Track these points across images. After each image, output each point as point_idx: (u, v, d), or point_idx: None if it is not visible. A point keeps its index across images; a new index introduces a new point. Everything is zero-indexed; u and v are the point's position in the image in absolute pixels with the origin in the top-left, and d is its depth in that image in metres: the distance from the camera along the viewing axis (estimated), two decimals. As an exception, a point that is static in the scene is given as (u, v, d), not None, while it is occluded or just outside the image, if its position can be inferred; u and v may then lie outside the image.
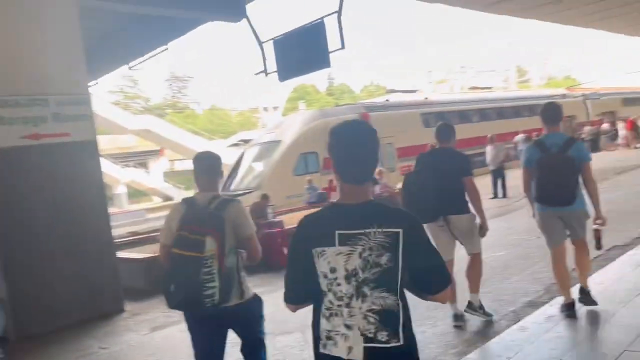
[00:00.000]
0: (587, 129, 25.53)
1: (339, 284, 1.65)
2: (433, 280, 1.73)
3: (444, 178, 4.12)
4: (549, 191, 4.04)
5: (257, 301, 2.92)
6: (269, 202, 9.31)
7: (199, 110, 68.42)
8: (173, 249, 2.69)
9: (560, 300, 4.22)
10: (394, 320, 1.63)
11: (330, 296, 1.67)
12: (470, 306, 4.38)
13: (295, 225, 1.86)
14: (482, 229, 4.32)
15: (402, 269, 1.64)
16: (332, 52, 9.71)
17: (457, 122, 21.96)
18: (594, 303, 4.14)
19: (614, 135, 24.98)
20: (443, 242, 4.18)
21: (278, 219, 9.32)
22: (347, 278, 1.64)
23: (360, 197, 1.71)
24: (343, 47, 9.70)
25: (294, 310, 1.85)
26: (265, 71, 9.83)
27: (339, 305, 1.65)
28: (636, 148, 22.26)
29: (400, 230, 1.64)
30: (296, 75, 10.65)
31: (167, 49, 11.01)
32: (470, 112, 23.20)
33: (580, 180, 4.02)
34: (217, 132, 51.25)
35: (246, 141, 26.25)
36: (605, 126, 24.99)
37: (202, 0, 9.73)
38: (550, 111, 4.24)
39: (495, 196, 12.83)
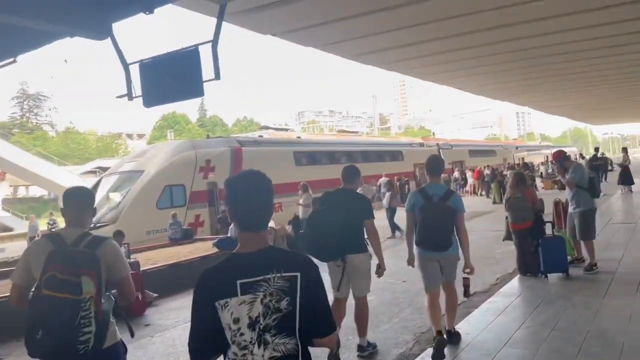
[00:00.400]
0: (441, 176, 27.85)
1: (242, 334, 1.66)
2: (323, 323, 1.76)
3: (347, 218, 4.33)
4: (429, 236, 4.35)
5: (121, 347, 2.74)
6: (122, 239, 8.29)
7: (52, 132, 62.25)
8: (43, 290, 2.42)
9: (429, 352, 4.31)
10: None
11: (234, 348, 1.68)
12: (361, 349, 4.56)
13: (155, 265, 1.60)
14: (380, 269, 4.57)
15: (299, 312, 1.69)
16: (206, 81, 9.34)
17: (327, 162, 22.52)
18: (457, 342, 4.52)
19: (463, 183, 27.55)
20: (335, 280, 4.43)
21: (134, 258, 8.32)
22: (250, 326, 1.66)
23: (258, 244, 1.76)
24: (218, 77, 9.38)
25: None
26: (129, 95, 9.10)
27: (243, 355, 1.67)
28: (481, 195, 24.69)
29: (298, 274, 1.69)
30: (164, 102, 9.96)
31: (15, 61, 9.57)
32: (339, 154, 23.94)
33: None
34: (72, 157, 46.94)
35: (104, 169, 24.09)
36: (456, 174, 27.46)
37: (60, 11, 8.75)
38: (434, 163, 4.67)
39: (362, 237, 13.07)
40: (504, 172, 22.11)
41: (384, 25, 16.01)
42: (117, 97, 9.45)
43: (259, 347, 1.66)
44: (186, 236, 13.57)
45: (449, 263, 4.44)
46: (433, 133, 53.43)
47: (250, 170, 1.87)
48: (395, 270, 6.53)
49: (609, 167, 23.19)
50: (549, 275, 6.49)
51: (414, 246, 4.51)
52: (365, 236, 4.52)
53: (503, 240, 7.26)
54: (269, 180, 1.83)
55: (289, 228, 11.72)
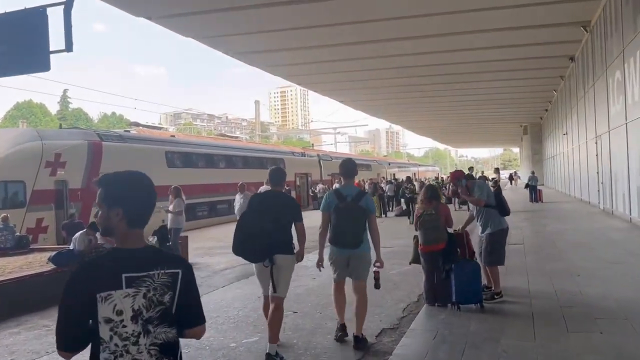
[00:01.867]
0: (320, 186, 27.22)
1: (124, 326, 1.70)
2: (197, 315, 1.88)
3: (276, 220, 4.38)
4: (342, 234, 4.58)
5: None
6: None
7: None
8: None
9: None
10: (174, 349, 1.81)
11: (115, 339, 1.70)
12: (270, 358, 4.35)
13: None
14: (299, 256, 4.69)
15: (177, 305, 1.79)
16: (53, 52, 7.44)
17: (204, 165, 20.53)
18: (366, 348, 4.62)
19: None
20: (265, 279, 4.53)
21: None
22: (134, 318, 1.71)
23: (140, 241, 1.82)
24: (69, 48, 7.50)
25: (68, 358, 1.77)
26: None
27: (124, 346, 1.70)
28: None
29: (180, 270, 1.80)
30: None
31: None
32: (218, 158, 22.01)
33: None
34: None
35: None
36: (337, 185, 26.98)
37: None
38: (348, 166, 4.88)
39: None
40: (383, 186, 21.94)
41: (269, 23, 14.82)
42: None
43: (143, 336, 1.72)
44: (19, 245, 10.78)
45: (359, 260, 4.65)
46: (312, 144, 53.38)
47: (131, 170, 1.89)
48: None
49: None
50: (461, 307, 5.53)
51: (328, 244, 4.74)
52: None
53: (410, 263, 6.19)
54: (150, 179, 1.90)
55: (152, 239, 9.68)
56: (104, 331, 1.69)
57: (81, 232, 8.40)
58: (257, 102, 43.62)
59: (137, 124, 19.94)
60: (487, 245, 5.82)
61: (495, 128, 46.97)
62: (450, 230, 5.84)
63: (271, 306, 4.44)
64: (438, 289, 5.72)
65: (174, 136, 24.09)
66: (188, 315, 1.84)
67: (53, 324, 1.76)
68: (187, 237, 10.50)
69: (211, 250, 12.02)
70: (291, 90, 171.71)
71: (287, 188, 22.08)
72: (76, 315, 1.72)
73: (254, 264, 4.56)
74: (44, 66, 7.34)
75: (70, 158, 14.41)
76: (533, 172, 23.20)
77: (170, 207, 9.72)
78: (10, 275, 7.61)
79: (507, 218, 6.13)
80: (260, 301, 6.17)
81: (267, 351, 4.35)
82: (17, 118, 58.37)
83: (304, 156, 31.27)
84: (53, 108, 74.60)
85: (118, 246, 1.80)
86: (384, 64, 19.83)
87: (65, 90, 74.66)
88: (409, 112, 34.69)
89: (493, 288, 5.90)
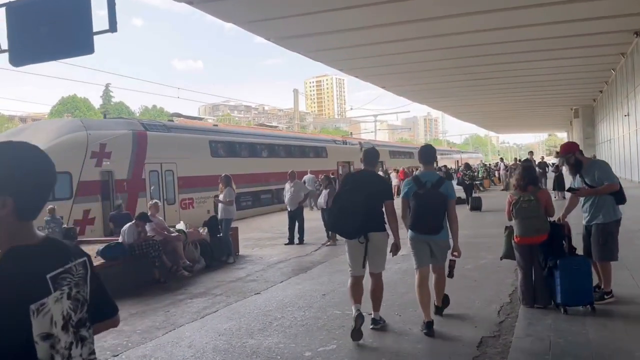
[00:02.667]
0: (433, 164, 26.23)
1: (59, 340, 1.33)
2: (111, 304, 1.60)
3: (370, 198, 4.53)
4: (421, 220, 4.57)
5: None
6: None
7: None
8: None
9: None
10: None
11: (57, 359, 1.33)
12: (375, 322, 4.67)
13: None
14: (396, 248, 4.70)
15: (89, 298, 1.46)
16: (97, 33, 6.91)
17: (247, 155, 20.09)
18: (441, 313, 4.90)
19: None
20: (357, 257, 4.61)
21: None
22: (65, 327, 1.36)
23: (35, 234, 1.41)
24: (114, 29, 6.96)
25: None
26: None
27: None
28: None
29: (85, 258, 1.49)
30: (39, 59, 7.77)
31: None
32: (261, 147, 21.51)
33: None
34: (-56, 138, 39.87)
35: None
36: (380, 174, 26.11)
37: None
38: (427, 152, 4.91)
39: (291, 242, 10.81)
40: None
41: (310, 5, 14.06)
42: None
43: (76, 346, 1.38)
44: (67, 237, 10.49)
45: (438, 247, 4.66)
46: (351, 133, 52.42)
47: (16, 142, 1.39)
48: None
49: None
50: (568, 309, 4.68)
51: (408, 230, 4.69)
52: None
53: (501, 258, 5.36)
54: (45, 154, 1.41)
55: (203, 231, 9.17)
56: (43, 351, 1.31)
57: (130, 224, 7.94)
58: (295, 91, 42.96)
59: (178, 115, 19.66)
60: (598, 238, 4.90)
61: (544, 111, 44.70)
62: (550, 219, 4.98)
63: (371, 281, 4.67)
64: (538, 288, 4.88)
65: (217, 125, 23.76)
66: (103, 305, 1.56)
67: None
68: (237, 228, 9.96)
69: (260, 242, 11.49)
70: (327, 80, 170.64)
71: (332, 176, 21.37)
72: (6, 339, 1.26)
73: (346, 241, 4.70)
74: (88, 48, 6.85)
75: (115, 148, 14.12)
76: (594, 156, 21.59)
77: (221, 197, 9.16)
78: (59, 270, 7.23)
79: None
80: (324, 299, 5.65)
81: (373, 316, 4.70)
82: (63, 113, 59.85)
83: (346, 144, 30.46)
84: (96, 102, 76.33)
85: (16, 244, 1.35)
86: (429, 45, 18.70)
87: (107, 85, 76.12)
88: (454, 97, 33.23)
89: (603, 287, 5.01)
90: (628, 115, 21.95)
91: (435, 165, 5.14)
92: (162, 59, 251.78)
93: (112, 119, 17.58)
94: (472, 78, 25.66)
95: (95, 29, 6.86)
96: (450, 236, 4.67)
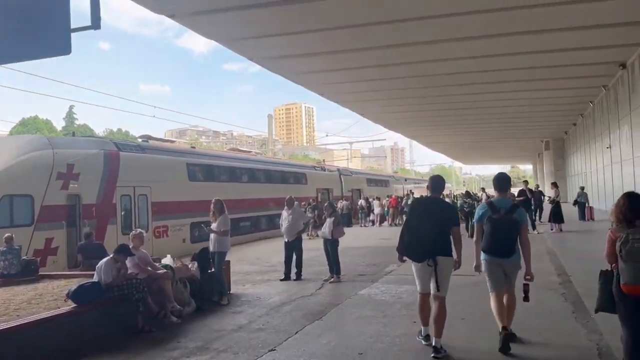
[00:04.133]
0: (342, 203, 25.30)
1: None
2: None
3: (438, 224, 4.88)
4: (495, 244, 4.87)
5: None
6: None
7: None
8: None
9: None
10: None
11: None
12: (437, 351, 4.71)
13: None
14: (458, 264, 4.96)
15: None
16: (76, 30, 6.21)
17: (226, 179, 18.82)
18: (515, 339, 4.96)
19: (367, 211, 25.30)
20: (425, 276, 4.91)
21: None
22: None
23: None
24: (96, 25, 5.96)
25: None
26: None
27: None
28: (397, 225, 22.63)
29: None
30: (7, 60, 6.57)
31: None
32: (240, 171, 20.24)
33: None
34: None
35: None
36: (362, 202, 25.11)
37: None
38: (502, 181, 5.22)
39: (287, 277, 9.53)
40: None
41: (286, 24, 13.24)
42: None
43: None
44: (26, 270, 8.90)
45: (511, 269, 4.92)
46: (323, 160, 51.59)
47: None
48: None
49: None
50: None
51: (482, 253, 4.95)
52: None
53: (596, 311, 4.29)
54: None
55: (192, 266, 7.80)
56: None
57: (107, 258, 6.51)
58: (270, 117, 42.00)
59: (148, 137, 18.20)
60: None
61: (514, 142, 45.21)
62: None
63: (435, 304, 4.84)
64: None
65: (194, 147, 22.32)
66: None
67: None
68: (229, 262, 8.62)
69: (250, 277, 10.15)
70: (296, 108, 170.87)
71: (312, 203, 20.07)
72: None
73: (413, 264, 4.97)
74: (64, 48, 5.68)
75: (84, 169, 12.59)
76: (582, 188, 21.26)
77: (214, 226, 7.83)
78: (17, 318, 5.71)
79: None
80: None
81: (434, 344, 4.76)
82: (23, 134, 56.81)
83: (325, 170, 29.46)
84: (58, 124, 73.05)
85: None
86: (409, 71, 18.26)
87: (71, 107, 73.18)
88: (427, 125, 33.01)
89: None
90: (610, 147, 21.83)
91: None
92: (129, 82, 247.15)
93: (82, 137, 16.01)
94: (448, 107, 25.41)
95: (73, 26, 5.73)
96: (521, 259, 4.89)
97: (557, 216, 15.35)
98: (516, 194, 15.48)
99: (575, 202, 20.22)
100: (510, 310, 4.92)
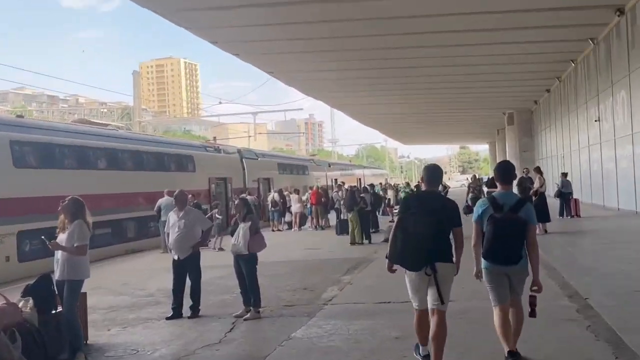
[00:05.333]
0: (248, 198, 24.46)
1: None
2: None
3: (438, 225, 5.21)
4: (498, 249, 5.25)
5: None
6: None
7: None
8: None
9: None
10: None
11: None
12: None
13: None
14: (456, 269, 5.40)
15: None
16: None
17: (74, 165, 17.54)
18: None
19: (283, 209, 24.78)
20: (422, 289, 5.26)
21: None
22: None
23: None
24: None
25: None
26: None
27: None
28: (321, 228, 22.41)
29: None
30: None
31: None
32: (97, 153, 18.81)
33: None
34: None
35: None
36: (276, 197, 24.46)
37: None
38: (506, 171, 5.74)
39: (177, 314, 8.57)
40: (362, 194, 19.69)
41: None
42: None
43: None
44: None
45: (518, 278, 5.40)
46: (214, 138, 50.36)
47: None
48: None
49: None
50: None
51: (482, 260, 5.37)
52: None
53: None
54: None
55: (25, 305, 6.57)
56: None
57: None
58: (135, 74, 39.64)
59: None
60: None
61: (467, 116, 46.97)
62: None
63: (433, 320, 5.18)
64: None
65: (22, 117, 20.29)
66: None
67: None
68: (85, 294, 7.48)
69: (117, 314, 9.13)
70: (171, 64, 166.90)
71: (194, 202, 19.01)
72: None
73: (407, 274, 5.28)
74: None
75: None
76: (565, 175, 22.02)
77: (63, 239, 6.59)
78: None
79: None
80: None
81: None
82: None
83: (220, 152, 28.41)
84: None
85: None
86: (334, 14, 18.28)
87: None
88: (359, 91, 33.40)
89: None
90: (599, 120, 22.86)
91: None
92: None
93: None
94: (387, 66, 25.75)
95: None
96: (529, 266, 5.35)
97: (541, 213, 15.49)
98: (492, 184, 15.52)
99: (560, 194, 20.90)
100: (517, 327, 5.38)
